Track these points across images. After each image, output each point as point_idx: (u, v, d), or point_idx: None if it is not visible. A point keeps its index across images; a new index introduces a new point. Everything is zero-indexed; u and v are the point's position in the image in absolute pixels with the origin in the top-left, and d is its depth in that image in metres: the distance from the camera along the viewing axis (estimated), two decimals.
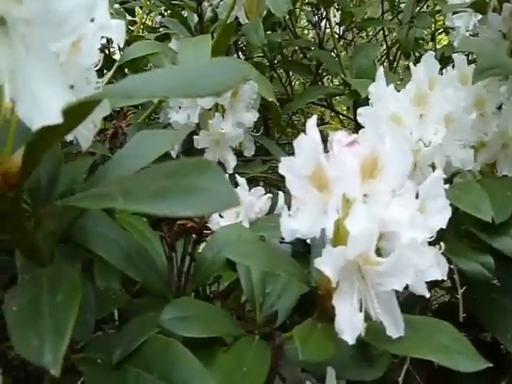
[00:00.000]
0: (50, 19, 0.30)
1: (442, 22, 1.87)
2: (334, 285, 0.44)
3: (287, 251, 0.73)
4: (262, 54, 1.39)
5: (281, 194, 0.75)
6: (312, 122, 0.50)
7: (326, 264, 0.43)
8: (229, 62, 0.32)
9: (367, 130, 0.49)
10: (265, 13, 1.20)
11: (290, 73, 1.47)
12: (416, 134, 0.70)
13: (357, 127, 1.52)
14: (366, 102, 1.04)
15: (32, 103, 0.29)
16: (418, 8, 1.54)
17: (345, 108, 2.05)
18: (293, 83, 1.58)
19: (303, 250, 0.69)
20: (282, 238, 0.75)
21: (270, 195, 0.74)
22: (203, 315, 0.51)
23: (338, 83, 1.52)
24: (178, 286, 0.55)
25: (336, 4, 1.34)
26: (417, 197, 0.49)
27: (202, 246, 0.60)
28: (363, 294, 0.46)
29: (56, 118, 0.29)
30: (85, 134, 0.45)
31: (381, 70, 0.77)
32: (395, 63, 1.58)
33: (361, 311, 0.45)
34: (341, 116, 1.79)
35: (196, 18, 1.05)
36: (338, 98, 1.73)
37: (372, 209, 0.46)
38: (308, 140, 0.48)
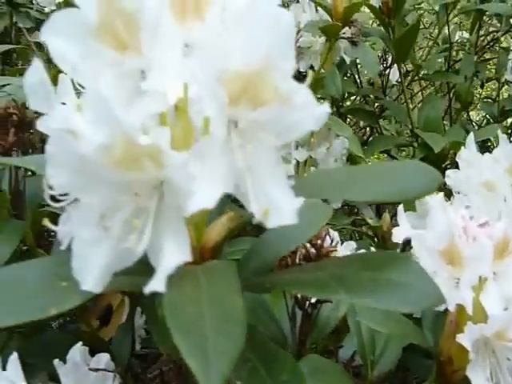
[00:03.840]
0: (282, 125, 0.34)
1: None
2: (471, 357, 0.48)
3: None
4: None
5: (373, 250, 0.78)
6: (439, 199, 0.54)
7: (467, 339, 0.47)
8: (426, 167, 0.36)
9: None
10: None
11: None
12: (511, 202, 0.73)
13: None
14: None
15: (265, 203, 0.33)
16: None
17: None
18: None
19: None
20: None
21: (364, 251, 0.77)
22: (329, 372, 0.54)
23: (394, 131, 1.55)
24: (299, 342, 0.59)
25: None
26: None
27: None
28: (494, 366, 0.49)
29: (292, 219, 0.33)
30: None
31: (471, 136, 0.81)
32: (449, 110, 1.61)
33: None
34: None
35: None
36: None
37: (503, 287, 0.49)
38: (442, 217, 0.52)
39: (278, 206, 0.32)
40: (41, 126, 0.39)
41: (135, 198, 0.31)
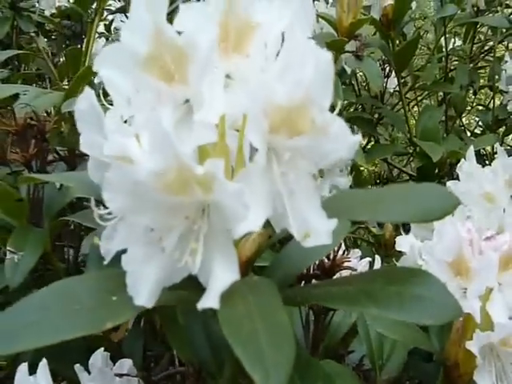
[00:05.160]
0: (317, 153, 0.37)
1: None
2: (478, 363, 0.51)
3: None
4: None
5: (377, 257, 0.82)
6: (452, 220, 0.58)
7: (475, 345, 0.50)
8: (445, 190, 0.40)
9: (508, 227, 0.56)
10: None
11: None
12: (510, 213, 0.77)
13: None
14: None
15: (303, 225, 0.36)
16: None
17: None
18: None
19: None
20: None
21: (369, 259, 0.81)
22: (344, 376, 0.58)
23: (388, 137, 1.59)
24: (312, 347, 0.62)
25: None
26: None
27: None
28: (499, 371, 0.52)
29: (328, 239, 0.36)
30: None
31: (471, 149, 0.85)
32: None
33: None
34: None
35: None
36: None
37: (508, 297, 0.53)
38: (452, 231, 0.55)
39: (316, 228, 0.35)
40: (84, 147, 0.41)
41: (185, 221, 0.34)
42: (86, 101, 0.38)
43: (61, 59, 1.84)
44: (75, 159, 1.00)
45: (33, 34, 1.25)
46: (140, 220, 0.34)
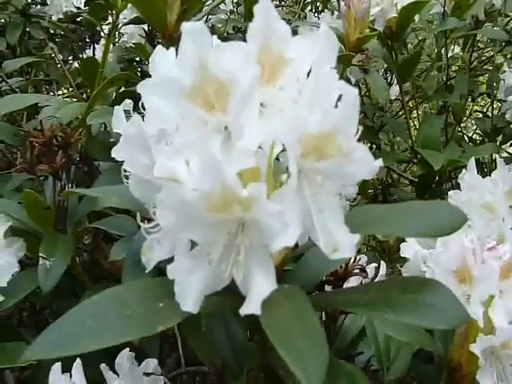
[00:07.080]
0: (342, 175, 0.41)
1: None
2: (481, 364, 0.56)
3: None
4: None
5: (383, 263, 0.86)
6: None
7: (478, 348, 0.55)
8: (454, 207, 0.44)
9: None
10: None
11: None
12: (509, 223, 0.82)
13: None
14: None
15: (330, 240, 0.40)
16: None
17: None
18: None
19: None
20: None
21: (376, 264, 0.85)
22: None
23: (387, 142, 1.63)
24: None
25: None
26: None
27: None
28: (500, 371, 0.57)
29: (351, 252, 0.40)
30: None
31: (472, 160, 0.89)
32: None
33: None
34: None
35: None
36: None
37: (509, 303, 0.58)
38: (456, 242, 0.60)
39: (341, 243, 0.40)
40: (128, 166, 0.46)
41: (227, 236, 0.38)
42: (134, 127, 0.42)
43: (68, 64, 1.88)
44: (92, 166, 1.04)
45: (52, 45, 1.28)
46: (187, 235, 0.38)
